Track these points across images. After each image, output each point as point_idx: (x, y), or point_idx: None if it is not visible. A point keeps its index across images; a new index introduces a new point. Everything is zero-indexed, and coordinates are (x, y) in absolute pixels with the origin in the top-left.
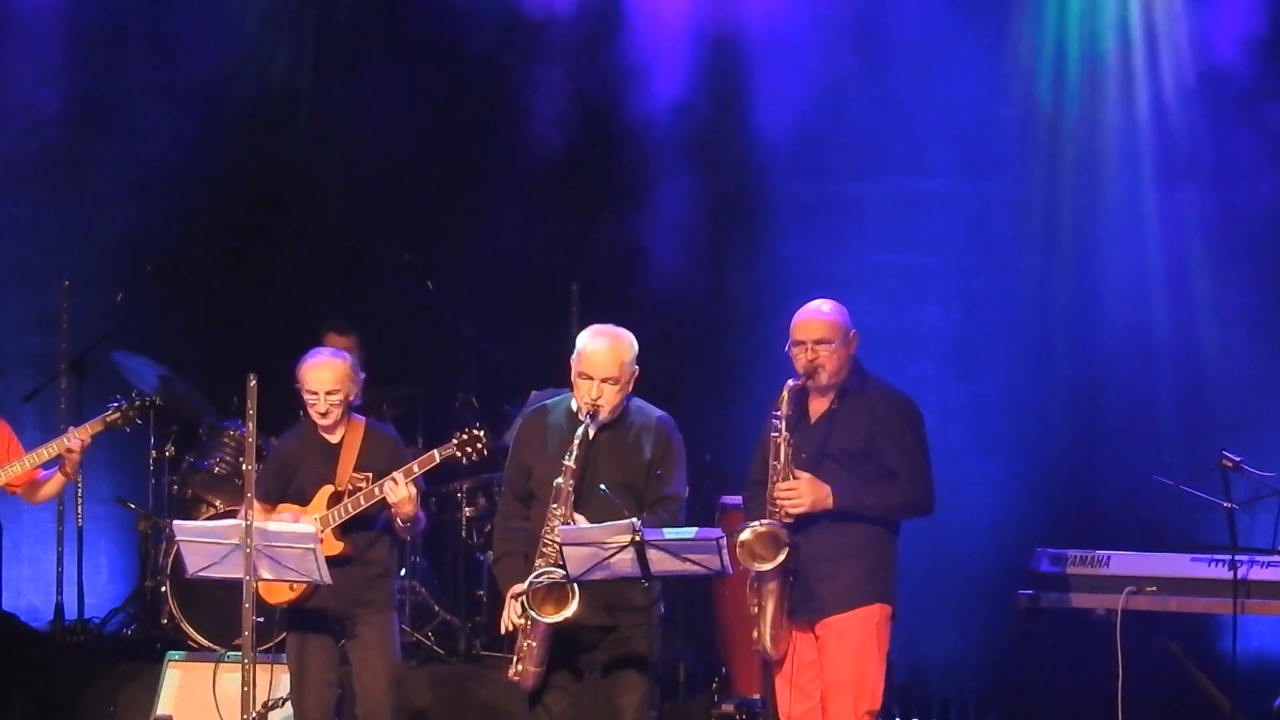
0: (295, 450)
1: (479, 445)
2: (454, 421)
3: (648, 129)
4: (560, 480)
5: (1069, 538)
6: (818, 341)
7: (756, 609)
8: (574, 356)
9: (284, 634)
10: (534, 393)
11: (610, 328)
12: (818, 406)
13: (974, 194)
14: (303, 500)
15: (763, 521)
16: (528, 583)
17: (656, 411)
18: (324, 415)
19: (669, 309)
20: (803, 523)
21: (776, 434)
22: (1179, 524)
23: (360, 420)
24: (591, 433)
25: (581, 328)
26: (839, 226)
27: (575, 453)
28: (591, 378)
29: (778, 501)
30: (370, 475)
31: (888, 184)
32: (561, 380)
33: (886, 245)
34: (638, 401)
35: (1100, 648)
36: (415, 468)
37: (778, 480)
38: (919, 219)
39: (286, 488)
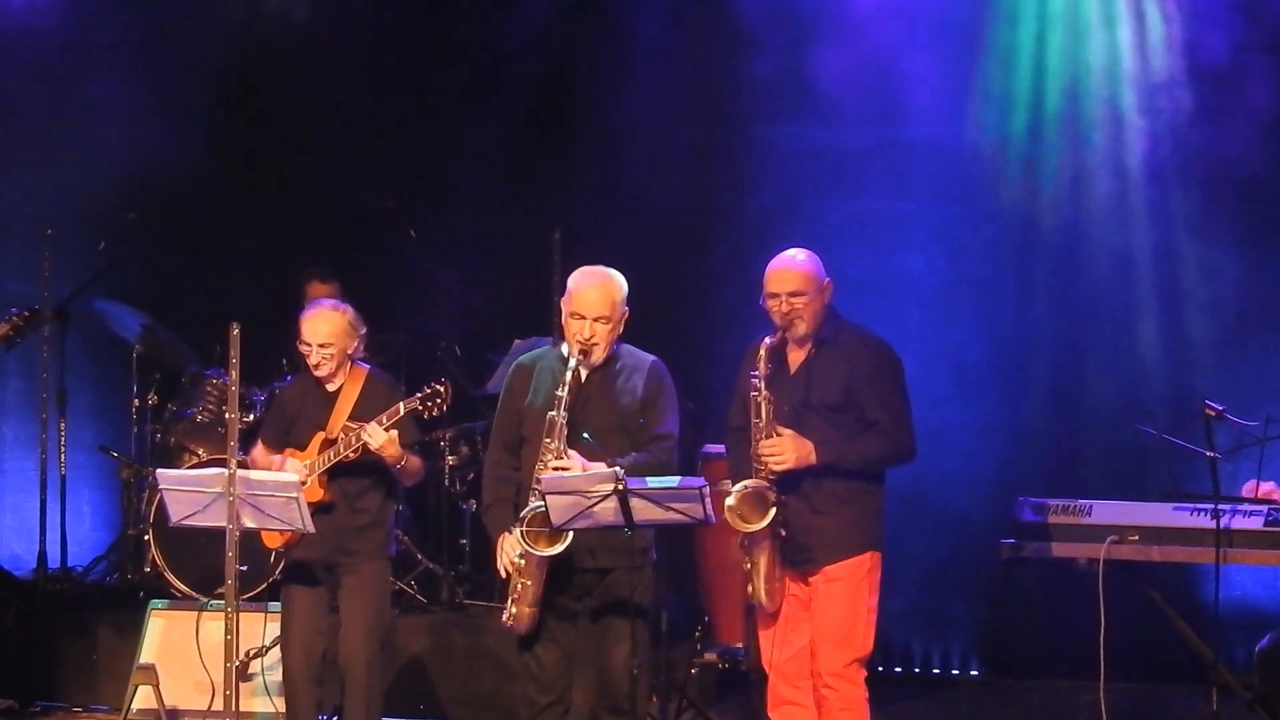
0: (296, 397)
1: (439, 401)
2: (436, 370)
3: (628, 72)
4: (554, 413)
5: (1051, 487)
6: (792, 294)
7: (749, 565)
8: (565, 297)
9: (279, 579)
10: (517, 341)
11: (601, 268)
12: (796, 357)
13: (955, 139)
14: (302, 446)
15: (747, 483)
16: (523, 514)
17: (648, 355)
18: (316, 367)
19: (650, 257)
20: (789, 477)
21: (756, 393)
22: (1161, 473)
23: (363, 369)
24: (584, 372)
25: (564, 275)
26: (821, 173)
27: (568, 385)
28: (584, 317)
29: (762, 459)
30: (365, 424)
31: (869, 131)
32: (545, 328)
33: (868, 192)
34: (628, 346)
35: (1082, 597)
36: (384, 418)
37: (760, 438)
38: (901, 166)
39: (289, 434)
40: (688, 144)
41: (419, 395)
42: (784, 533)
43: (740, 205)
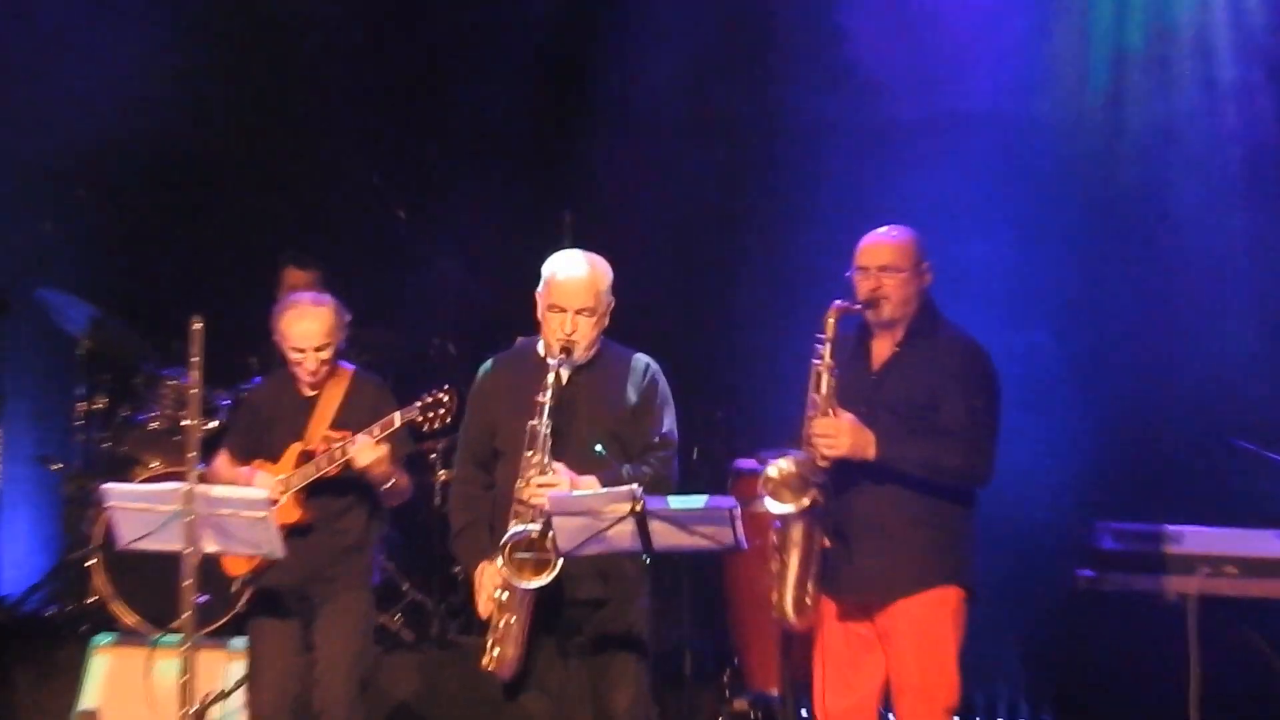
0: (270, 400)
1: (442, 411)
2: (428, 371)
3: (650, 35)
4: (535, 421)
5: (1135, 510)
6: (883, 268)
7: (777, 567)
8: (541, 288)
9: (245, 611)
10: (520, 339)
11: (580, 252)
12: (881, 349)
13: (1023, 113)
14: (274, 458)
15: (792, 456)
16: (504, 539)
17: (637, 352)
18: (313, 374)
19: (673, 241)
20: (856, 491)
21: (818, 361)
22: (1259, 496)
23: (347, 370)
24: (565, 374)
25: None
26: (866, 149)
27: (550, 390)
28: (564, 310)
29: (813, 441)
30: (349, 434)
31: (922, 101)
32: None
33: (920, 171)
34: (612, 342)
35: (1171, 638)
36: (376, 430)
37: (815, 415)
38: (959, 141)
39: (260, 442)
40: (716, 116)
41: (418, 404)
42: (827, 541)
43: (774, 185)
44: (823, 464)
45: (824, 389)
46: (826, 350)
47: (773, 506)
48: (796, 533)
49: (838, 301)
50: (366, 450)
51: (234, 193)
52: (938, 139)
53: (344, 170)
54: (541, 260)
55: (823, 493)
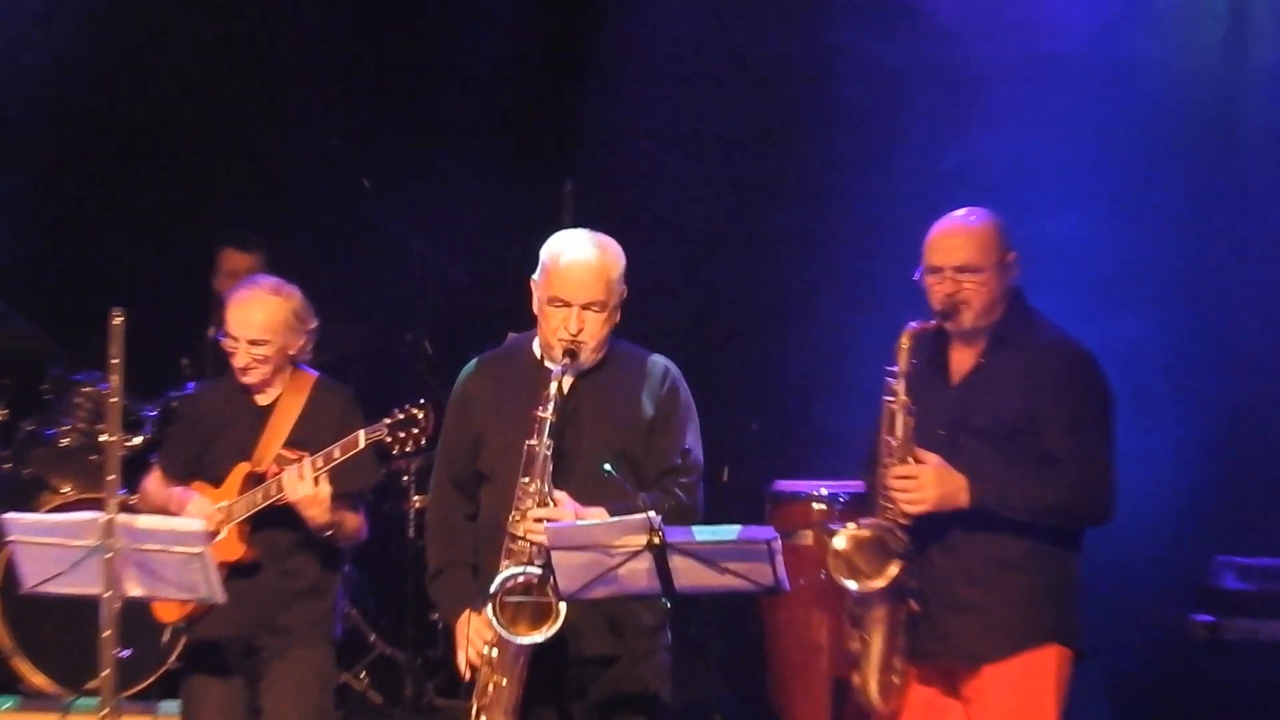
0: (213, 409)
1: (416, 431)
2: (399, 374)
3: None
4: (533, 441)
5: (1259, 542)
6: (960, 268)
7: (858, 646)
8: (538, 277)
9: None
10: (512, 335)
11: (587, 234)
12: (962, 360)
13: (1123, 56)
14: (217, 480)
15: (866, 521)
16: (495, 584)
17: (651, 354)
18: (244, 371)
19: (700, 218)
20: (931, 525)
21: (891, 399)
22: None
23: (309, 377)
24: (568, 382)
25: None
26: (932, 101)
27: (552, 402)
28: (568, 303)
29: (890, 495)
30: (308, 454)
31: (999, 44)
32: None
33: (997, 128)
34: (623, 343)
35: None
36: (336, 452)
37: (892, 463)
38: (1044, 92)
39: (200, 460)
40: (745, 62)
41: (387, 422)
42: (915, 605)
43: (823, 148)
44: (904, 521)
45: (899, 431)
46: (900, 385)
47: (853, 584)
48: (880, 610)
49: (912, 325)
50: (294, 485)
51: (162, 161)
52: (1019, 89)
53: (296, 134)
54: (538, 241)
55: (909, 560)
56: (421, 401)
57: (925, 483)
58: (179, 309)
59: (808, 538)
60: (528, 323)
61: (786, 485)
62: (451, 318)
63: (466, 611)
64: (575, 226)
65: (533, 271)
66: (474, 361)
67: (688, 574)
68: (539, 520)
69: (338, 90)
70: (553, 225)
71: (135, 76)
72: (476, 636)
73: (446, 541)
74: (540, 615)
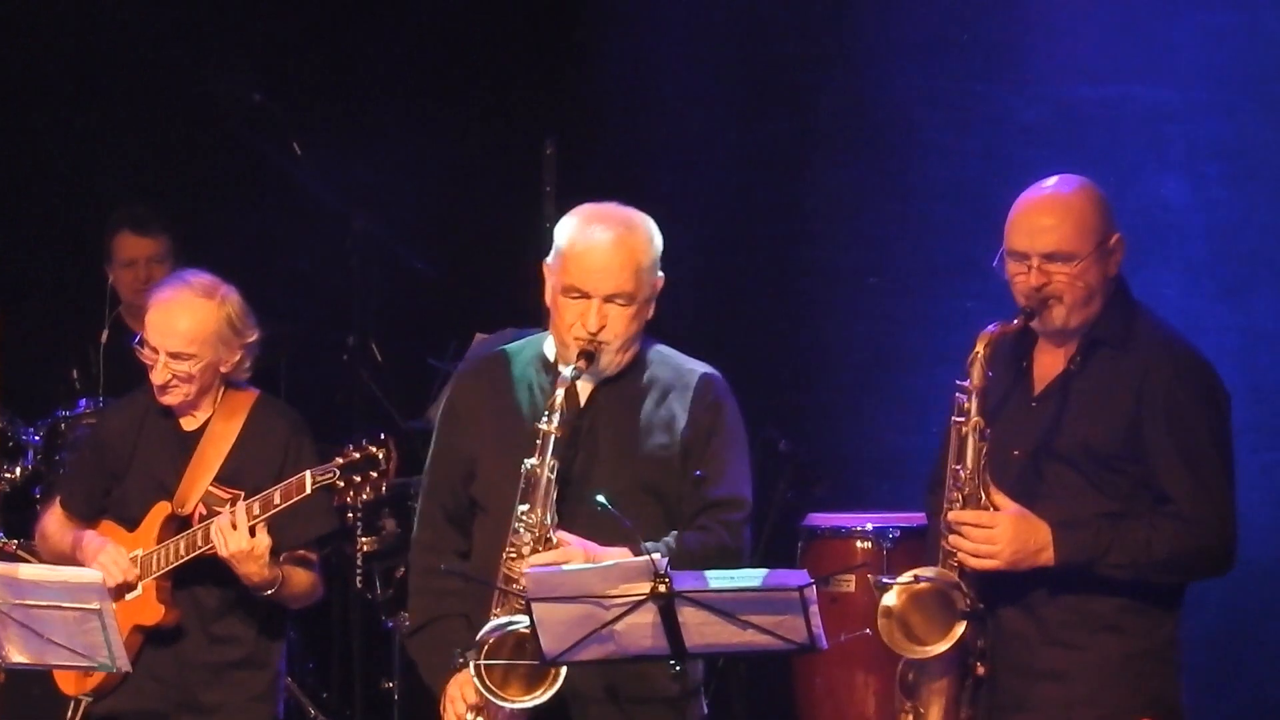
0: (128, 431)
1: (375, 475)
2: (339, 386)
3: None
4: (534, 461)
5: None
6: (1050, 255)
7: (911, 717)
8: (551, 260)
9: None
10: (480, 336)
11: (616, 209)
12: (1048, 365)
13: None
14: (131, 523)
15: (921, 573)
16: (481, 636)
17: (692, 362)
18: (163, 390)
19: (713, 194)
20: (1011, 574)
21: (962, 419)
22: None
23: (247, 396)
24: (586, 389)
25: (559, 215)
26: (990, 41)
27: (559, 415)
28: (587, 295)
29: (953, 543)
30: (242, 494)
31: None
32: (531, 314)
33: (1080, 71)
34: (661, 346)
35: None
36: (277, 498)
37: (958, 499)
38: (1141, 37)
39: (109, 495)
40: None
41: (340, 462)
42: (981, 669)
43: (866, 104)
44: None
45: (970, 460)
46: (973, 404)
47: (909, 649)
48: (940, 679)
49: (990, 327)
50: (230, 537)
51: (42, 126)
52: (1103, 30)
53: (206, 87)
54: (511, 217)
55: (976, 618)
56: (382, 437)
57: (999, 536)
58: (64, 309)
59: (850, 584)
60: (499, 322)
61: (823, 519)
62: (405, 315)
63: (449, 672)
64: (557, 196)
65: (505, 259)
66: (470, 363)
67: (701, 630)
68: (540, 562)
69: (258, 31)
70: (530, 193)
71: (12, 31)
72: (460, 699)
73: (434, 589)
74: (537, 675)
